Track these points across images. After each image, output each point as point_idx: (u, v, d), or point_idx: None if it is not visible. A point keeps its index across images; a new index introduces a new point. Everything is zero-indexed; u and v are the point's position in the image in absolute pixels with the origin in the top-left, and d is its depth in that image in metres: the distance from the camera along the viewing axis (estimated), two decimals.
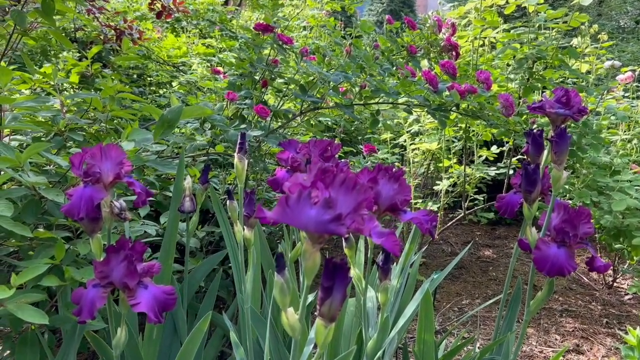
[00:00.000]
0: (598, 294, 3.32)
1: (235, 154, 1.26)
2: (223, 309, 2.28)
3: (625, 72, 3.29)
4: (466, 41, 3.23)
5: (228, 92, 1.89)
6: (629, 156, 3.03)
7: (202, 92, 2.98)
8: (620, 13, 10.24)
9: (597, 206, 2.75)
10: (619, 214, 2.66)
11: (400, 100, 2.13)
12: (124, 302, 1.06)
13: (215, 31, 3.93)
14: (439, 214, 3.77)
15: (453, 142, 3.71)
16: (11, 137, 1.65)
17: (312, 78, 2.05)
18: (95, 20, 2.72)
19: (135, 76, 3.14)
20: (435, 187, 3.80)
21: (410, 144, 3.52)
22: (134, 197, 1.31)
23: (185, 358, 1.43)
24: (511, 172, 3.50)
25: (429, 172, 4.15)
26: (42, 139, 1.71)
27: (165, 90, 3.15)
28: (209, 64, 3.37)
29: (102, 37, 2.69)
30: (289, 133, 2.74)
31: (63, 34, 2.88)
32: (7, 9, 1.92)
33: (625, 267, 3.35)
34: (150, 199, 2.08)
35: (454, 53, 2.38)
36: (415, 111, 2.63)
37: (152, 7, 2.84)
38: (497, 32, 3.09)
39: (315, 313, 0.84)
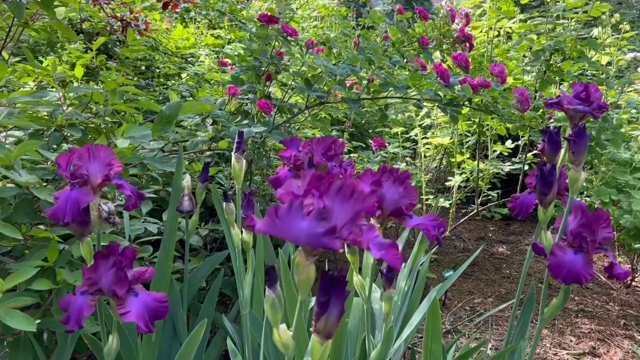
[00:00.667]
0: (615, 293, 3.22)
1: (233, 154, 1.20)
2: (229, 305, 2.24)
3: None
4: (480, 32, 3.13)
5: (229, 87, 1.82)
6: None
7: (209, 85, 2.92)
8: None
9: (616, 205, 2.65)
10: (639, 213, 2.56)
11: (409, 95, 2.05)
12: (114, 310, 1.02)
13: (224, 22, 3.86)
14: (451, 210, 3.69)
15: (466, 136, 3.61)
16: (8, 132, 1.61)
17: (318, 71, 1.98)
18: (101, 11, 2.67)
19: (143, 67, 3.10)
20: (447, 183, 3.70)
21: (422, 138, 3.43)
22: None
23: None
24: (526, 167, 3.40)
25: (442, 166, 4.06)
26: (43, 134, 1.66)
27: (173, 82, 3.10)
28: (217, 56, 3.31)
29: (108, 29, 2.64)
30: (297, 128, 2.67)
31: (69, 26, 2.85)
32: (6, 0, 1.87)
33: None
34: (154, 195, 2.04)
35: (467, 44, 2.29)
36: (425, 105, 2.54)
37: None
38: (513, 23, 2.98)
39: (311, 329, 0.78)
